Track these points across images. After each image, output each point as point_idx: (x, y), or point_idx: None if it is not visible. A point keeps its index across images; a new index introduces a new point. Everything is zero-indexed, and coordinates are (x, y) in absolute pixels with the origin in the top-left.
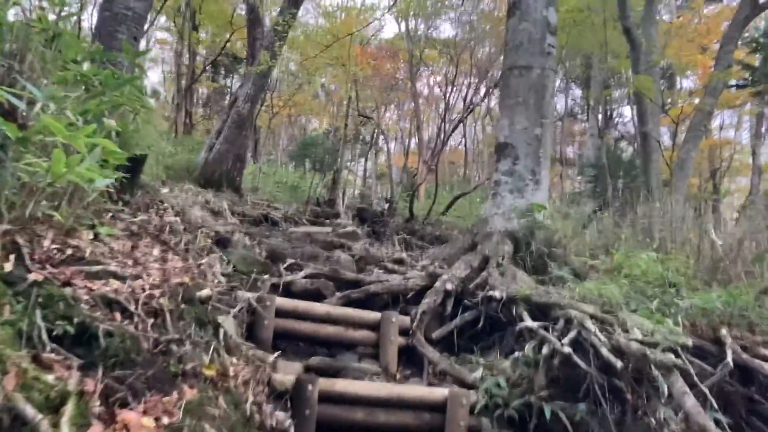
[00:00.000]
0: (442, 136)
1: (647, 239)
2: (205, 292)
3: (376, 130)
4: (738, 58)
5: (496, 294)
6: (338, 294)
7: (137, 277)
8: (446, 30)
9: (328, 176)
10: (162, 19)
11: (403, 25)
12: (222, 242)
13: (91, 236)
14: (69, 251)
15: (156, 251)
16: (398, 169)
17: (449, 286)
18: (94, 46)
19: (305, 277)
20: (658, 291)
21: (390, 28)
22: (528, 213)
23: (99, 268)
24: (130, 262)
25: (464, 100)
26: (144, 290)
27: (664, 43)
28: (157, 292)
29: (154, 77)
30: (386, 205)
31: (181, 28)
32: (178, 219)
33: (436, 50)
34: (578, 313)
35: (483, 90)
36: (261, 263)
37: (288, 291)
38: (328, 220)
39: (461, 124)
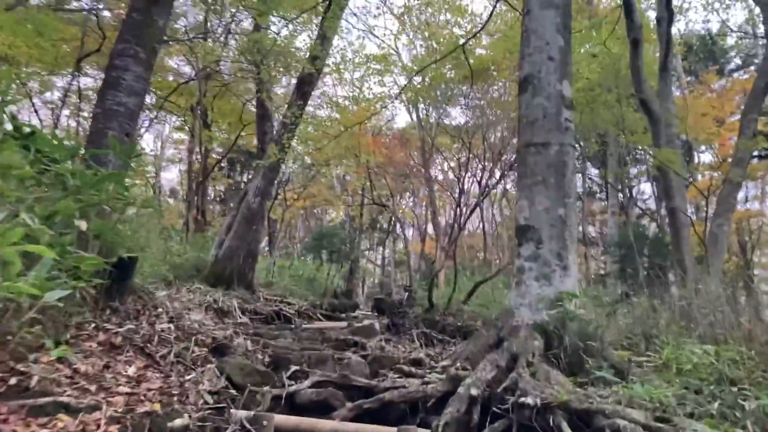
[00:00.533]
0: (458, 220)
1: (690, 324)
2: (179, 422)
3: (392, 218)
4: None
5: (529, 401)
6: (349, 405)
7: (95, 408)
8: (457, 116)
9: (344, 267)
10: (174, 119)
11: (414, 113)
12: (219, 350)
13: (52, 357)
14: (12, 380)
15: (133, 368)
16: (416, 256)
17: (474, 392)
18: (73, 144)
19: (311, 386)
20: (716, 389)
21: (402, 118)
22: (558, 302)
23: (47, 400)
24: (93, 388)
25: (479, 183)
26: (99, 426)
27: (681, 117)
28: (115, 429)
29: (171, 176)
30: (405, 294)
31: (193, 126)
32: (171, 326)
33: (448, 136)
34: (627, 423)
35: (498, 173)
36: (261, 372)
37: (292, 403)
38: (344, 314)
39: (478, 208)
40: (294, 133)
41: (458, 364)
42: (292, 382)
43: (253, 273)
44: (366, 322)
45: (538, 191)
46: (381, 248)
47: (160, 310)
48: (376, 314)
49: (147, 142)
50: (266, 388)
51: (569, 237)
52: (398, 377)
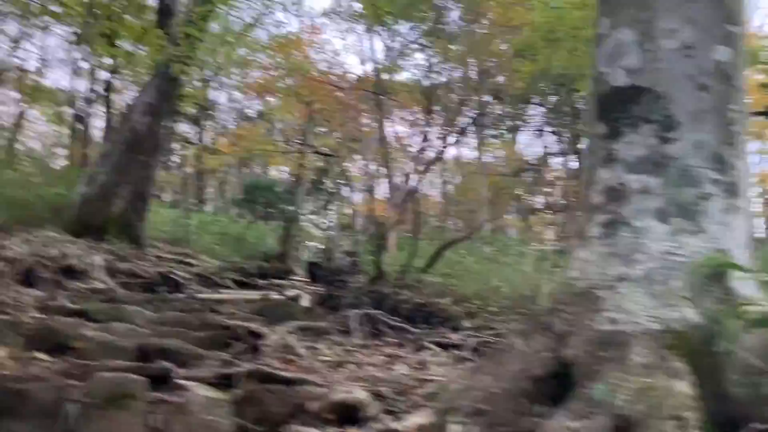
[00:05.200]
0: (413, 177)
1: None
2: None
3: (339, 176)
4: None
5: None
6: None
7: None
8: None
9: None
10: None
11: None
12: None
13: None
14: None
15: None
16: (365, 219)
17: None
18: None
19: None
20: None
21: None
22: (716, 278)
23: None
24: None
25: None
26: None
27: None
28: None
29: None
30: (348, 260)
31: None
32: None
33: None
34: None
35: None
36: None
37: None
38: (275, 280)
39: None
40: (200, 28)
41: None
42: None
43: (143, 222)
44: (291, 293)
45: (662, 4)
46: (327, 211)
47: None
48: (311, 281)
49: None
50: None
51: (738, 116)
52: None
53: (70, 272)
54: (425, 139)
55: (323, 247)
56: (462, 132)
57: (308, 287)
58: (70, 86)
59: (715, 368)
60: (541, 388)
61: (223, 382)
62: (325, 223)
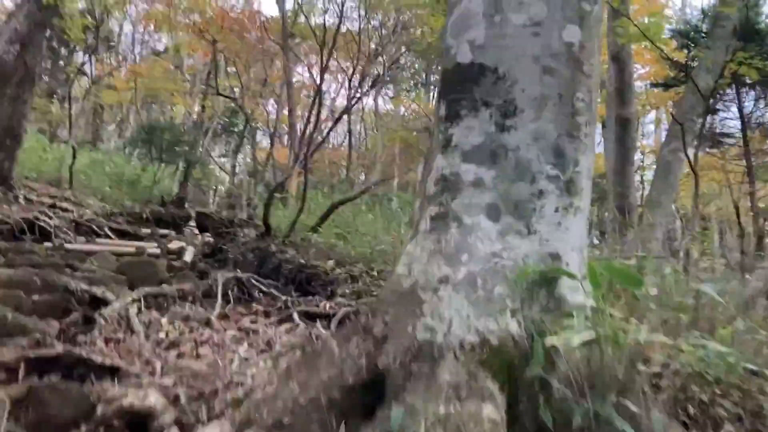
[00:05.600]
0: (316, 126)
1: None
2: None
3: (247, 119)
4: None
5: None
6: None
7: None
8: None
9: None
10: None
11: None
12: None
13: None
14: None
15: None
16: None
17: None
18: None
19: None
20: None
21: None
22: (544, 282)
23: None
24: None
25: (349, 91)
26: None
27: None
28: None
29: None
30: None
31: None
32: None
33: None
34: None
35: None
36: None
37: None
38: (170, 227)
39: (344, 120)
40: None
41: None
42: None
43: (13, 162)
44: (175, 244)
45: None
46: (236, 154)
47: None
48: (197, 232)
49: None
50: None
51: (584, 105)
52: None
53: None
54: (339, 87)
55: (230, 192)
56: (374, 83)
57: (199, 238)
58: None
59: (530, 391)
60: (354, 399)
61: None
62: (233, 167)
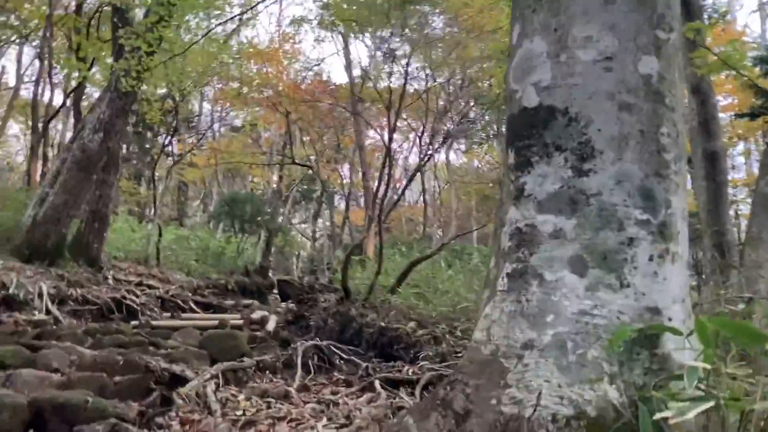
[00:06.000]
0: (388, 185)
1: None
2: None
3: (326, 186)
4: None
5: None
6: None
7: None
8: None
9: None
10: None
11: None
12: None
13: None
14: None
15: None
16: (347, 227)
17: None
18: None
19: None
20: None
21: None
22: (643, 347)
23: None
24: None
25: (420, 149)
26: None
27: None
28: None
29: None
30: (327, 274)
31: (43, 48)
32: None
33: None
34: None
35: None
36: None
37: None
38: (257, 296)
39: (418, 177)
40: (155, 37)
41: None
42: None
43: (101, 243)
44: (258, 314)
45: (578, 6)
46: (316, 219)
47: None
48: (279, 300)
49: None
50: None
51: (671, 141)
52: None
53: (9, 303)
54: (410, 146)
55: (312, 257)
56: (445, 139)
57: (282, 306)
58: (38, 100)
59: None
60: None
61: None
62: (314, 232)
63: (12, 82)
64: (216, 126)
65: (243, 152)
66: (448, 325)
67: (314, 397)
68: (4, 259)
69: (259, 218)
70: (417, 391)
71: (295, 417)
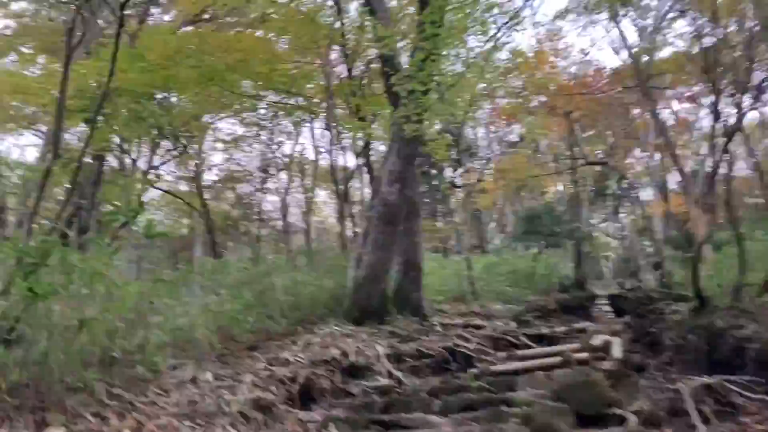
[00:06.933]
0: (715, 157)
1: None
2: None
3: (622, 179)
4: None
5: None
6: None
7: None
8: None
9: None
10: None
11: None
12: None
13: None
14: None
15: None
16: (663, 221)
17: None
18: None
19: None
20: None
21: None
22: None
23: None
24: None
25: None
26: None
27: None
28: None
29: None
30: (657, 275)
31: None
32: None
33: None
34: None
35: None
36: None
37: None
38: (578, 312)
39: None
40: (425, 75)
41: None
42: None
43: (419, 291)
44: (597, 340)
45: None
46: (617, 216)
47: None
48: (614, 316)
49: None
50: None
51: None
52: None
53: (353, 371)
54: (714, 112)
55: (623, 260)
56: (759, 91)
57: (614, 321)
58: (335, 166)
59: None
60: None
61: None
62: (618, 230)
63: (311, 156)
64: (495, 146)
65: (528, 165)
66: None
67: None
68: (338, 325)
69: (559, 228)
70: None
71: None
